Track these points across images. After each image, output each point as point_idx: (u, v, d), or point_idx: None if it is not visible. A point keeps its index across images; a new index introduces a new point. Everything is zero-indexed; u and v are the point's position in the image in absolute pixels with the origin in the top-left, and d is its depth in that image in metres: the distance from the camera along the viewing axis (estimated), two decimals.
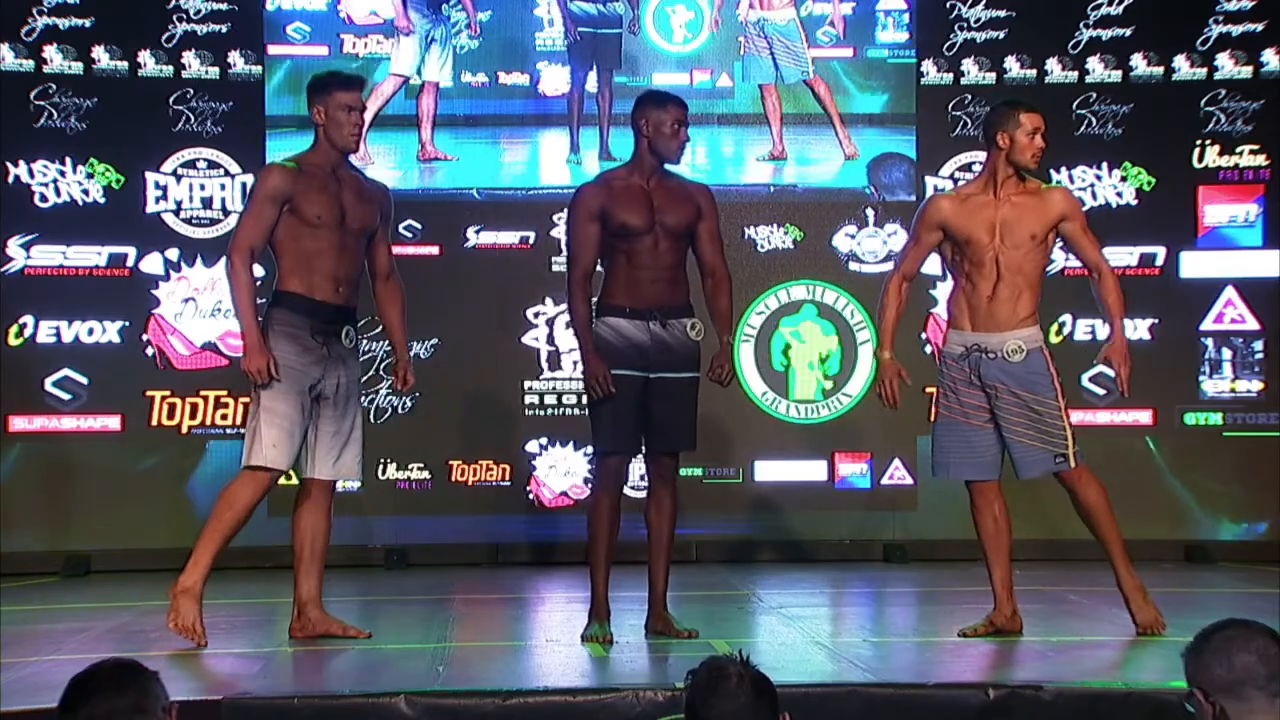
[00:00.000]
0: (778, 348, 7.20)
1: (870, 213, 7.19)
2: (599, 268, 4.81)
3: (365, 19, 7.11)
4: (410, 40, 7.08)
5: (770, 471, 7.14)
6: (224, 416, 6.87)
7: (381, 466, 6.95)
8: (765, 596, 5.97)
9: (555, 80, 7.15)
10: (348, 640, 4.63)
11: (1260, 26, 7.05)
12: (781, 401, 7.19)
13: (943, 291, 7.11)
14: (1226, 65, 7.09)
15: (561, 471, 7.08)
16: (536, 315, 7.15)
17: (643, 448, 4.81)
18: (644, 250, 4.70)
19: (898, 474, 7.14)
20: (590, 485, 4.90)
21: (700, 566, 6.80)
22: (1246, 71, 7.08)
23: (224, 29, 6.97)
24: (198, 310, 6.91)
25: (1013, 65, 7.16)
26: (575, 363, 7.06)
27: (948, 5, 7.16)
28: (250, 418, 4.60)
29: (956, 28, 7.16)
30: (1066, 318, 7.12)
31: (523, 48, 7.17)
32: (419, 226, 7.05)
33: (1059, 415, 4.72)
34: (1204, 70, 7.10)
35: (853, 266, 7.20)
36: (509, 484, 7.04)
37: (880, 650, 4.84)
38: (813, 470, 7.13)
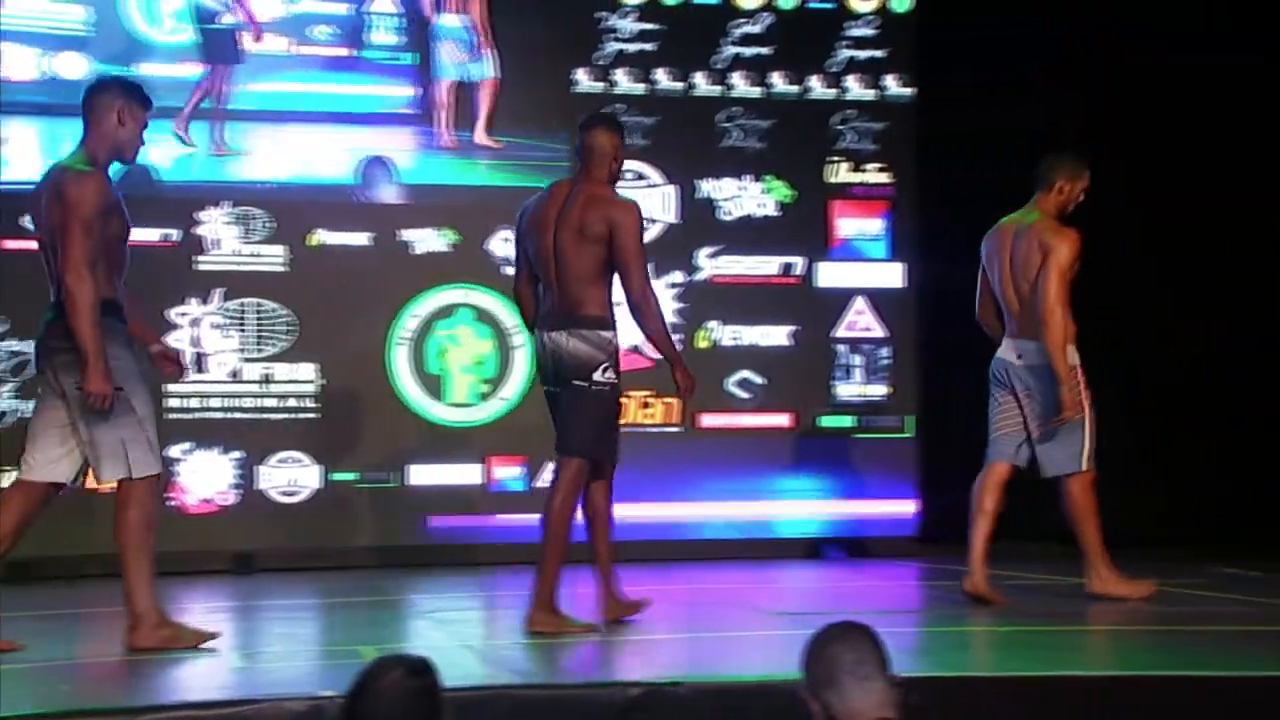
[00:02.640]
0: (433, 351, 7.19)
1: None
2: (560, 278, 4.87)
3: None
4: None
5: (425, 475, 7.12)
6: (649, 415, 7.20)
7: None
8: (418, 601, 5.95)
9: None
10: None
11: (883, 53, 7.48)
12: (436, 405, 7.18)
13: None
14: (854, 87, 7.49)
15: (203, 478, 6.86)
16: (181, 316, 6.90)
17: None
18: None
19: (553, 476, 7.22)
20: (566, 491, 4.85)
21: (353, 572, 6.72)
22: (872, 94, 7.50)
23: None
24: None
25: (662, 77, 7.37)
26: (221, 364, 6.89)
27: (595, 16, 7.31)
28: (110, 429, 4.37)
29: (608, 39, 7.33)
30: (714, 323, 7.37)
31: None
32: None
33: None
34: (835, 91, 7.48)
35: (509, 271, 7.22)
36: None
37: (531, 652, 4.88)
38: (468, 473, 7.15)
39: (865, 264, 7.49)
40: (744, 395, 7.39)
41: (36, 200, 4.50)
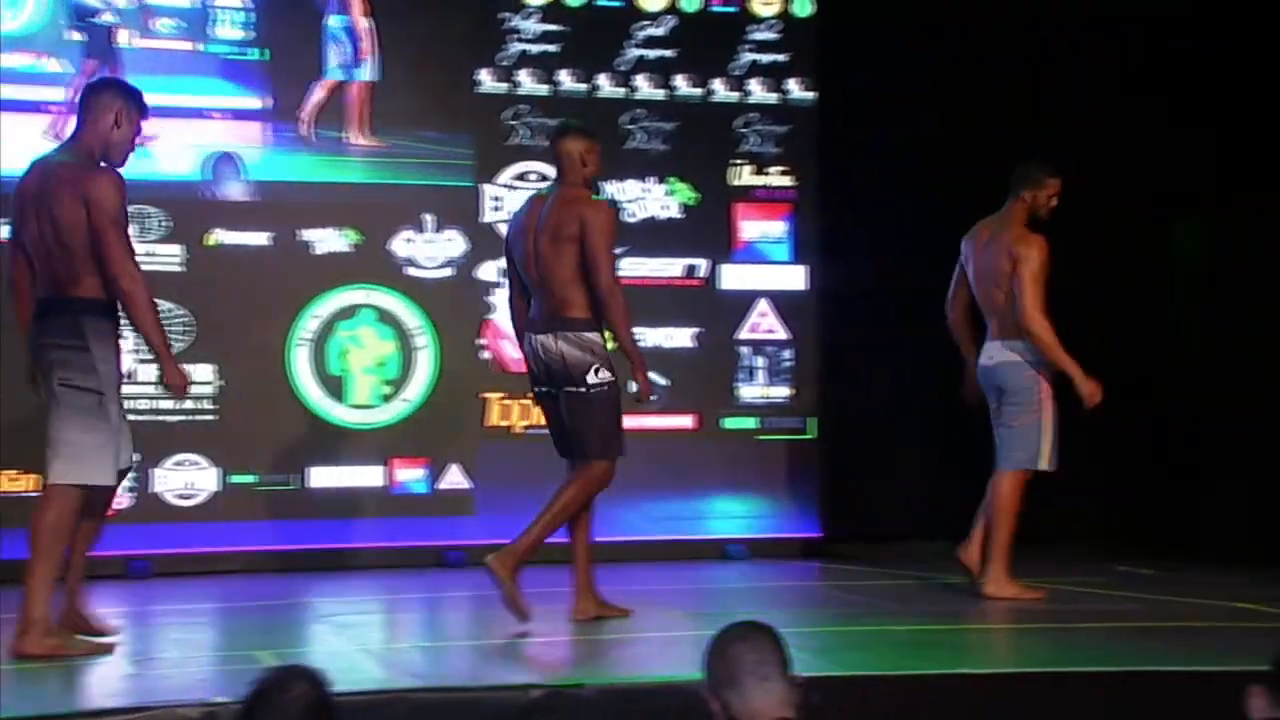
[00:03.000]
0: (334, 352, 7.11)
1: (429, 218, 7.21)
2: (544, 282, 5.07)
3: None
4: None
5: (325, 477, 7.04)
6: None
7: None
8: (318, 605, 5.88)
9: None
10: None
11: (785, 57, 7.51)
12: (338, 406, 7.10)
13: (500, 297, 7.26)
14: (757, 91, 7.51)
15: None
16: None
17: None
18: None
19: (455, 479, 7.19)
20: (588, 490, 5.04)
21: (252, 576, 6.62)
22: (774, 98, 7.52)
23: None
24: None
25: (565, 79, 7.35)
26: None
27: (500, 17, 7.28)
28: (83, 432, 4.37)
29: (512, 39, 7.30)
30: None
31: None
32: None
33: None
34: (738, 94, 7.50)
35: (411, 272, 7.20)
36: None
37: (431, 655, 4.86)
38: (369, 476, 7.08)
39: (768, 266, 7.51)
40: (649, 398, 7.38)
41: (23, 195, 4.48)
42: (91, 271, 4.39)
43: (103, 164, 4.49)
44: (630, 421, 7.17)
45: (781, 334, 7.52)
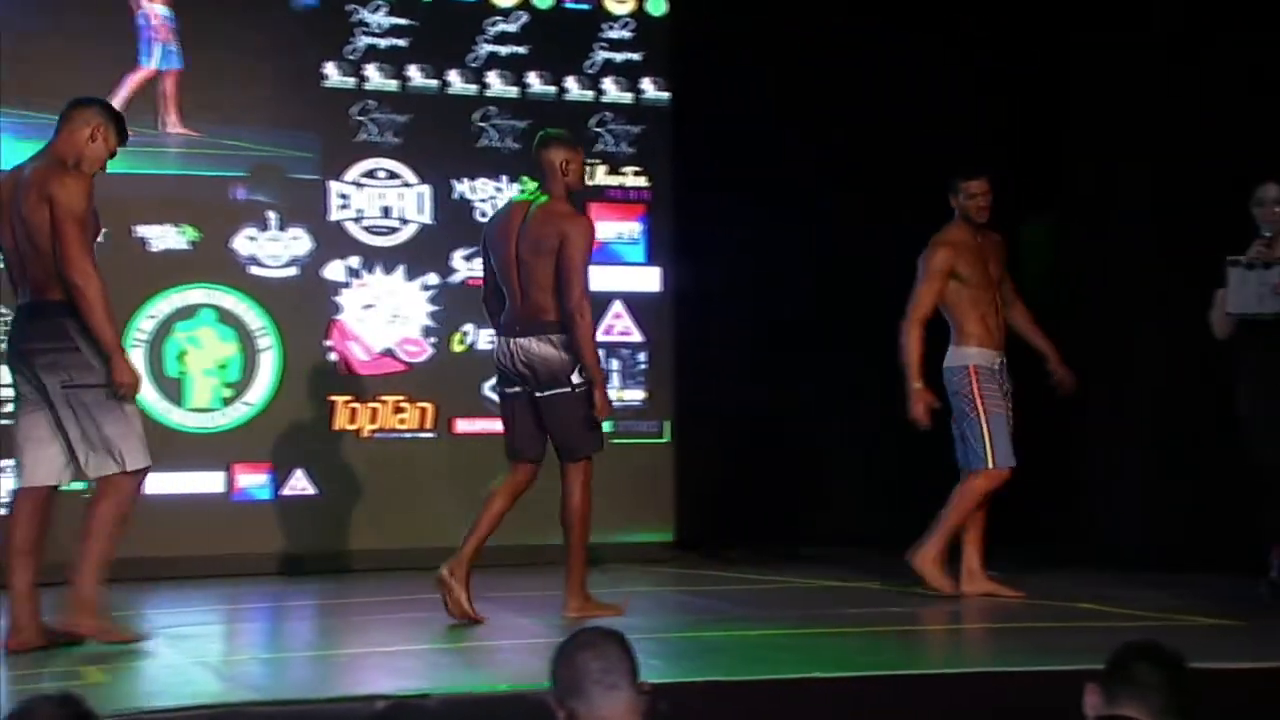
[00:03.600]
0: (172, 353, 6.85)
1: (273, 215, 7.00)
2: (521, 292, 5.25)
3: None
4: None
5: (163, 484, 6.73)
6: (402, 421, 7.03)
7: None
8: (152, 617, 5.64)
9: None
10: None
11: (639, 56, 7.44)
12: (175, 410, 6.85)
13: (347, 298, 7.08)
14: (611, 90, 7.43)
15: None
16: None
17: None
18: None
19: (300, 485, 6.99)
20: (583, 488, 5.27)
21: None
22: (629, 97, 7.45)
23: None
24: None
25: (415, 74, 7.19)
26: None
27: (347, 9, 7.10)
28: (102, 425, 4.55)
29: (359, 32, 7.12)
30: (469, 327, 7.21)
31: None
32: None
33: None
34: (592, 93, 7.41)
35: (254, 271, 6.97)
36: None
37: (272, 667, 4.69)
38: (209, 482, 6.83)
39: (622, 268, 7.44)
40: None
41: None
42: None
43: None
44: (482, 425, 7.18)
45: (636, 336, 7.46)
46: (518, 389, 5.24)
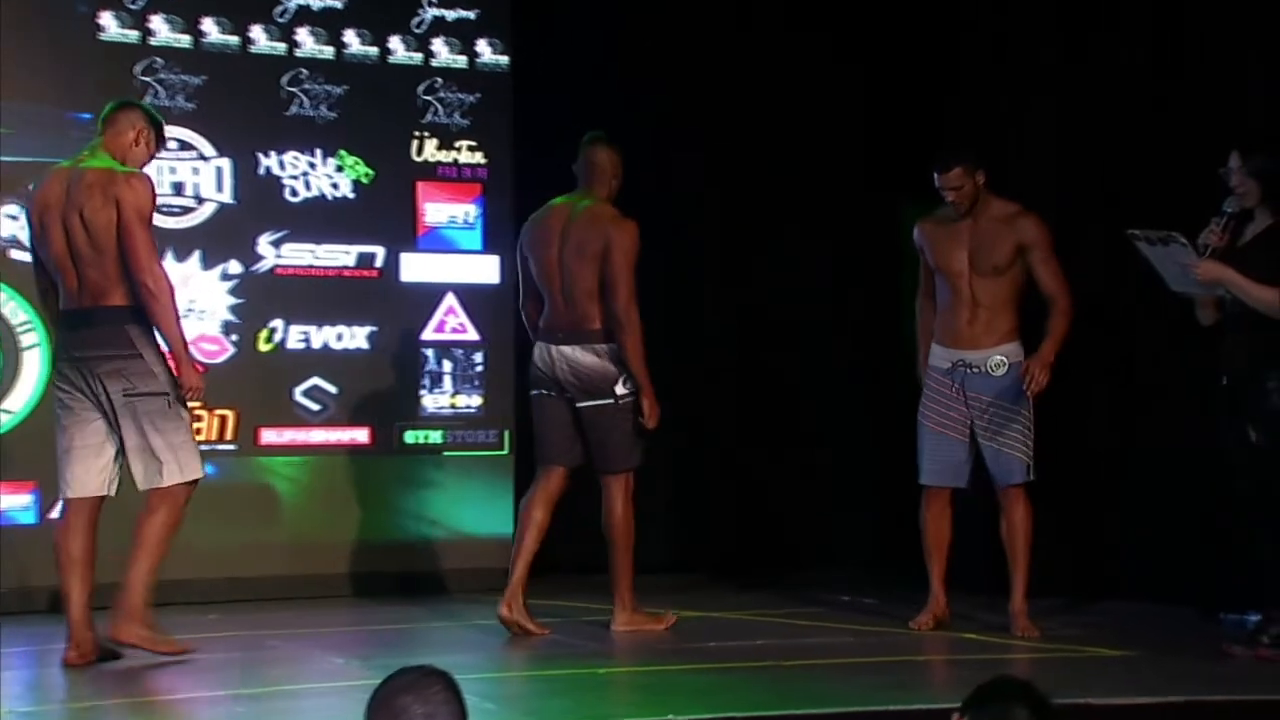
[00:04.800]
0: None
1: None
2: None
3: None
4: None
5: None
6: (197, 431, 5.96)
7: None
8: None
9: None
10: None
11: (474, 14, 6.81)
12: None
13: None
14: (442, 52, 6.78)
15: None
16: None
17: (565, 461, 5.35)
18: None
19: None
20: (624, 501, 5.29)
21: None
22: (463, 60, 6.81)
23: None
24: None
25: (211, 28, 6.41)
26: None
27: None
28: (165, 434, 4.68)
29: None
30: (278, 322, 6.51)
31: None
32: None
33: (1031, 428, 5.26)
34: (420, 55, 6.76)
35: (16, 255, 6.02)
36: None
37: None
38: None
39: (456, 256, 6.79)
40: (314, 407, 6.56)
41: (43, 205, 4.71)
42: (127, 276, 4.64)
43: None
44: (293, 436, 6.47)
45: (472, 334, 6.82)
46: (551, 393, 5.28)
